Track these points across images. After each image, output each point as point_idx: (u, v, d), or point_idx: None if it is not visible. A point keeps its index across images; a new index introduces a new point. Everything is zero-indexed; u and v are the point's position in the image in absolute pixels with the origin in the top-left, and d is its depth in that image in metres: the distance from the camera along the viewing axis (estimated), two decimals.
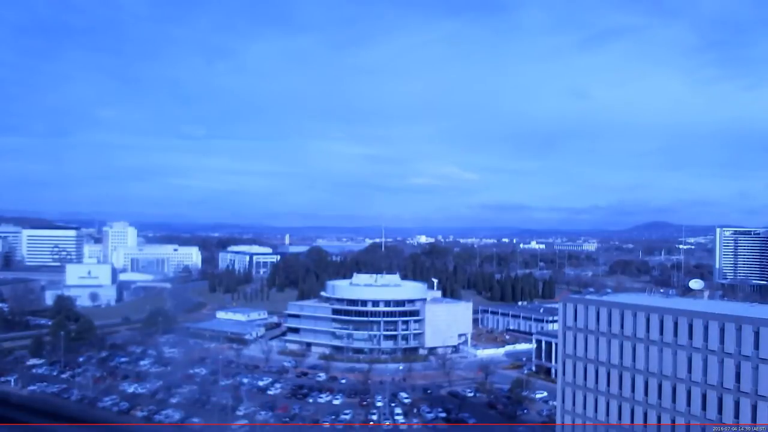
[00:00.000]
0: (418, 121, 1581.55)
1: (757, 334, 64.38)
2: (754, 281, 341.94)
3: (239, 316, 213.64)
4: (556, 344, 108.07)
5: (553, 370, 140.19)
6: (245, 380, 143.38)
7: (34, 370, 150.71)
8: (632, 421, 75.98)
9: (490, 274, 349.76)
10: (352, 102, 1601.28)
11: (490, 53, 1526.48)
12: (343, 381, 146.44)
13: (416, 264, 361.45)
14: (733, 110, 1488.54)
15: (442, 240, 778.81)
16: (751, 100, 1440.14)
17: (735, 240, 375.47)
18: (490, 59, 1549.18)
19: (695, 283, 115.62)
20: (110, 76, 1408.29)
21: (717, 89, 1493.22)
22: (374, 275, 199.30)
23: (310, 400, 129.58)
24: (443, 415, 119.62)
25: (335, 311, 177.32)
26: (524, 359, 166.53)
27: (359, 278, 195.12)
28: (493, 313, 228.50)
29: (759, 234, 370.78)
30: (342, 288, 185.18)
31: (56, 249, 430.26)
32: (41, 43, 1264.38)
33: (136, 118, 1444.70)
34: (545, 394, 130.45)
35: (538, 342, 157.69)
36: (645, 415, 74.55)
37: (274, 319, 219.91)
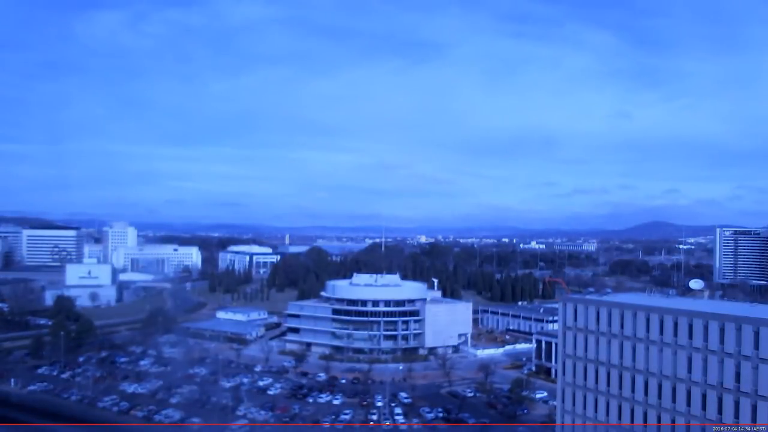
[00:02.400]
0: (385, 135, 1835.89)
1: (757, 334, 64.30)
2: (754, 281, 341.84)
3: (239, 316, 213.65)
4: (556, 344, 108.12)
5: (553, 370, 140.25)
6: (245, 380, 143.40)
7: (34, 370, 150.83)
8: (632, 421, 75.94)
9: (490, 274, 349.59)
10: (327, 119, 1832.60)
11: (434, 82, 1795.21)
12: (343, 381, 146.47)
13: (416, 264, 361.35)
14: (673, 124, 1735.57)
15: (442, 240, 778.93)
16: (692, 117, 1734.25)
17: (735, 240, 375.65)
18: (434, 87, 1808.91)
19: (695, 283, 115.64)
20: (122, 100, 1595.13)
21: (660, 109, 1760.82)
22: (374, 275, 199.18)
23: (310, 400, 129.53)
24: (443, 415, 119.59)
25: (335, 311, 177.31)
26: (524, 359, 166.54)
27: (359, 278, 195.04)
28: (493, 313, 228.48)
29: (759, 234, 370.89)
30: (342, 288, 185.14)
31: (56, 249, 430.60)
32: (56, 69, 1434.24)
33: (142, 131, 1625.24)
34: (545, 394, 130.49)
35: (538, 342, 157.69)
36: (645, 415, 74.50)
37: (274, 319, 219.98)
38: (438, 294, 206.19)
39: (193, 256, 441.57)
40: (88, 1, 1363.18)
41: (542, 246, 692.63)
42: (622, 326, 77.48)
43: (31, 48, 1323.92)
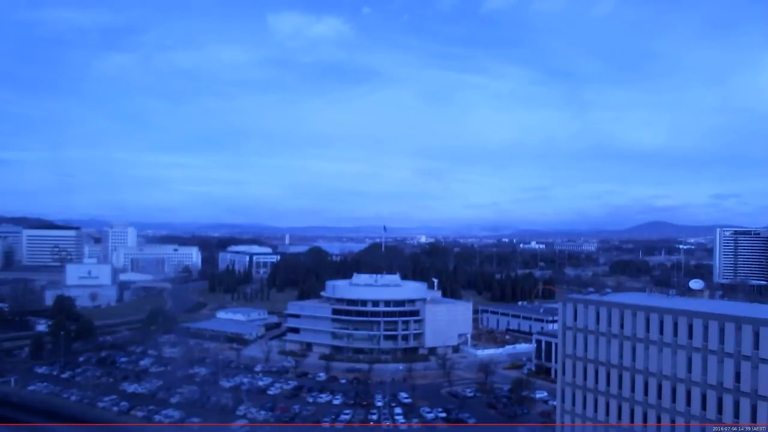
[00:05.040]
0: (371, 146, 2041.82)
1: (756, 334, 64.27)
2: (754, 281, 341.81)
3: (239, 316, 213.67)
4: (556, 344, 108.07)
5: (553, 370, 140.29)
6: (245, 380, 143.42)
7: (34, 370, 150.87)
8: (632, 421, 75.94)
9: (490, 274, 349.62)
10: (313, 134, 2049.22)
11: (395, 104, 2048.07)
12: (343, 381, 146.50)
13: (416, 264, 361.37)
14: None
15: (442, 240, 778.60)
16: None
17: (735, 240, 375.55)
18: (396, 108, 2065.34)
19: (695, 283, 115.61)
20: (127, 118, 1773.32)
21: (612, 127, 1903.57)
22: (374, 275, 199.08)
23: (310, 400, 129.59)
24: (443, 415, 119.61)
25: (335, 311, 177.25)
26: (524, 359, 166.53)
27: (359, 278, 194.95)
28: (493, 313, 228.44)
29: (759, 234, 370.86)
30: (342, 288, 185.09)
31: (56, 249, 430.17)
32: (76, 96, 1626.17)
33: (147, 143, 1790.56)
34: (545, 394, 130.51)
35: (538, 342, 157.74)
36: (645, 415, 74.50)
37: (274, 319, 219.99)
38: (438, 294, 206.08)
39: (193, 256, 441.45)
40: (105, 44, 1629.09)
41: (542, 246, 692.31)
42: (622, 326, 77.49)
43: (51, 76, 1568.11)
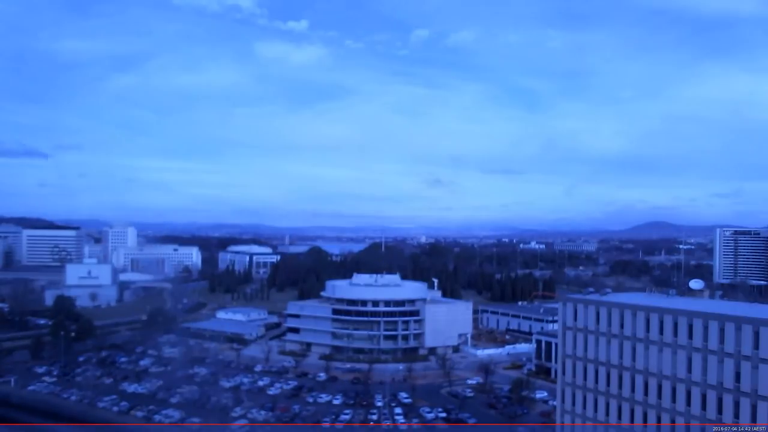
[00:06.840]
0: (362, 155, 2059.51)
1: (756, 334, 64.25)
2: (754, 281, 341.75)
3: (239, 316, 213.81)
4: (556, 344, 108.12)
5: (553, 370, 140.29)
6: (245, 380, 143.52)
7: (34, 370, 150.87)
8: (632, 421, 75.95)
9: (490, 274, 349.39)
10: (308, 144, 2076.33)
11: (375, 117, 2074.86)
12: (344, 381, 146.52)
13: (416, 264, 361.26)
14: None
15: (442, 240, 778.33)
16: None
17: (735, 240, 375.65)
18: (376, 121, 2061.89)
19: (695, 283, 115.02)
20: (131, 126, 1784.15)
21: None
22: (374, 275, 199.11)
23: (310, 400, 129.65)
24: (443, 415, 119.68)
25: (335, 311, 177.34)
26: (524, 359, 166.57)
27: (359, 278, 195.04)
28: (493, 313, 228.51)
29: (759, 234, 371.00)
30: (342, 288, 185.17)
31: (56, 249, 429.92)
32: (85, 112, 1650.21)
33: (150, 149, 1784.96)
34: (545, 394, 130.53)
35: (538, 342, 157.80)
36: (645, 415, 74.51)
37: (274, 319, 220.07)
38: (438, 294, 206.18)
39: (193, 256, 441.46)
40: (112, 67, 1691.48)
41: (542, 246, 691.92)
42: (622, 326, 77.50)
43: (60, 92, 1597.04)
